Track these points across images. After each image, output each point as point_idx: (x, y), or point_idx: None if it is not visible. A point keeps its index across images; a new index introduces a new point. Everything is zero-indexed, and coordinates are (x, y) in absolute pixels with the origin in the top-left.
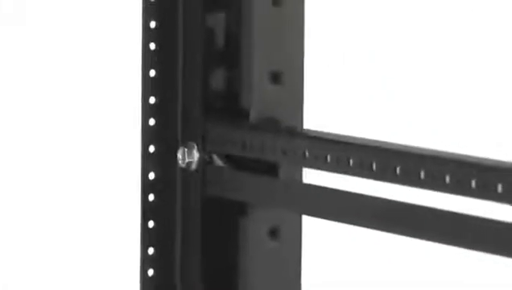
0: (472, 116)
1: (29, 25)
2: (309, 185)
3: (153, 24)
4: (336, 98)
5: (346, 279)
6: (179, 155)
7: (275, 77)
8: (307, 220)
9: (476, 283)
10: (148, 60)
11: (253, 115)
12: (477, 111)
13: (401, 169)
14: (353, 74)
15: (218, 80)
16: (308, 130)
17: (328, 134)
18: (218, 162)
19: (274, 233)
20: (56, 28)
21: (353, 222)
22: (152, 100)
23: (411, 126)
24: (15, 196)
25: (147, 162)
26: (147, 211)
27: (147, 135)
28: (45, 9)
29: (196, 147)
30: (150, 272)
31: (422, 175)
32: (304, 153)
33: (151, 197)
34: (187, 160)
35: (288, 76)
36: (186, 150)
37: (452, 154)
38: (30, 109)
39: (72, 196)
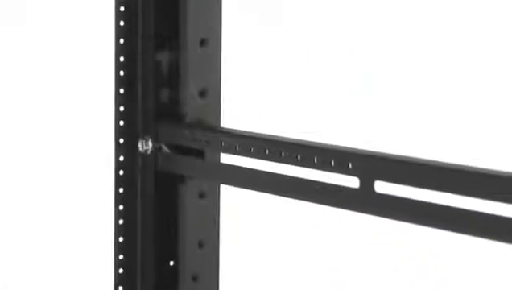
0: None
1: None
2: (224, 164)
3: (122, 59)
4: (243, 107)
5: (247, 224)
6: (140, 145)
7: (202, 93)
8: (223, 187)
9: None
10: (119, 82)
11: (188, 118)
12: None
13: (284, 153)
14: (252, 91)
15: (164, 95)
16: (224, 128)
17: (237, 130)
18: (165, 149)
19: (202, 195)
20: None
21: (253, 188)
22: (122, 108)
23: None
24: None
25: (119, 149)
26: (118, 181)
27: (118, 132)
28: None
29: (150, 139)
30: (121, 222)
31: (298, 157)
32: (221, 143)
33: (121, 172)
34: (144, 148)
35: (211, 93)
36: (144, 141)
37: (318, 143)
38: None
39: (67, 174)
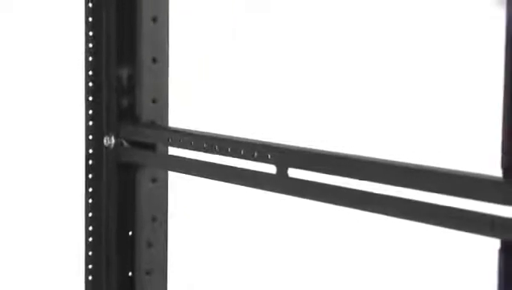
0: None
1: None
2: (172, 155)
3: (90, 72)
4: (187, 110)
5: (190, 203)
6: (105, 141)
7: (154, 100)
8: (171, 173)
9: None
10: (88, 91)
11: (143, 119)
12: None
13: (218, 146)
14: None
15: (124, 101)
16: (171, 127)
17: (181, 129)
18: (125, 144)
19: (154, 180)
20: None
21: (195, 174)
22: (90, 111)
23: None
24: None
25: (88, 144)
26: (88, 169)
27: (88, 130)
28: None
29: (113, 136)
30: (90, 201)
31: (229, 149)
32: (168, 139)
33: (90, 162)
34: (108, 143)
35: (160, 99)
36: (108, 138)
37: (243, 138)
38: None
39: (46, 164)
